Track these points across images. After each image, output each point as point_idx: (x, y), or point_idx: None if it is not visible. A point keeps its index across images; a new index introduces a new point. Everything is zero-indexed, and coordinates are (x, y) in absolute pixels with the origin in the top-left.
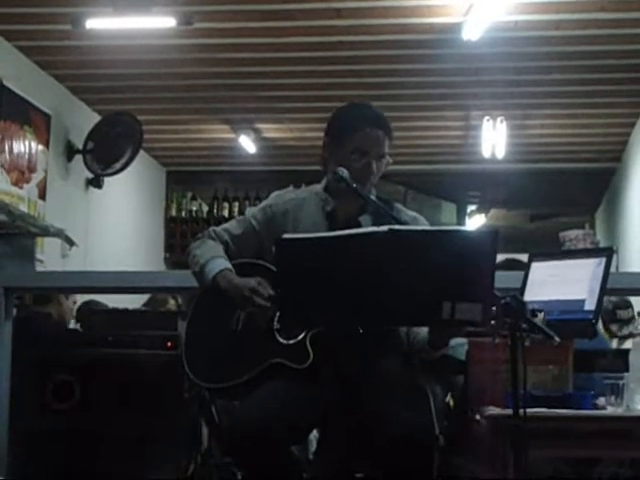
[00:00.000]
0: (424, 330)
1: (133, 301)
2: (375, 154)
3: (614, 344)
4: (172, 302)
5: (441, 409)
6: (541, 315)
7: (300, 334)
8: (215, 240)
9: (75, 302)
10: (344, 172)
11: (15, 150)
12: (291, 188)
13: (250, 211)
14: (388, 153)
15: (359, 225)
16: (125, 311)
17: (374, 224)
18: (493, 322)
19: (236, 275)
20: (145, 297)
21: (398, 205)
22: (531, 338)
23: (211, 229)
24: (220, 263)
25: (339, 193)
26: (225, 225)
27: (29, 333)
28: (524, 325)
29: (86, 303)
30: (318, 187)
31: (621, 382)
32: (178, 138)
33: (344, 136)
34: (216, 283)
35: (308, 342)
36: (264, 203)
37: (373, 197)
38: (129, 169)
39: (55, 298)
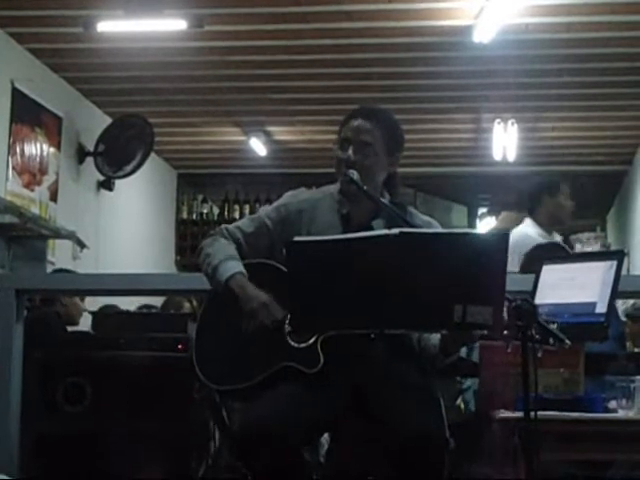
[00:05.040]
0: (435, 336)
1: (136, 304)
2: (356, 142)
3: None
4: (187, 305)
5: (452, 412)
6: (554, 326)
7: (311, 338)
8: (227, 239)
9: (82, 300)
10: (354, 174)
11: (26, 152)
12: (304, 188)
13: (264, 210)
14: (381, 146)
15: (371, 229)
16: (135, 313)
17: (387, 228)
18: (505, 327)
19: (249, 281)
20: (155, 299)
21: (412, 209)
22: (543, 348)
23: (223, 227)
24: (233, 266)
25: (352, 196)
26: (238, 223)
27: (40, 335)
28: (535, 328)
29: (104, 308)
30: (332, 188)
31: (633, 385)
32: (189, 140)
33: (338, 134)
34: (229, 287)
35: (319, 346)
36: (278, 202)
37: (386, 200)
38: (140, 171)
39: (60, 298)
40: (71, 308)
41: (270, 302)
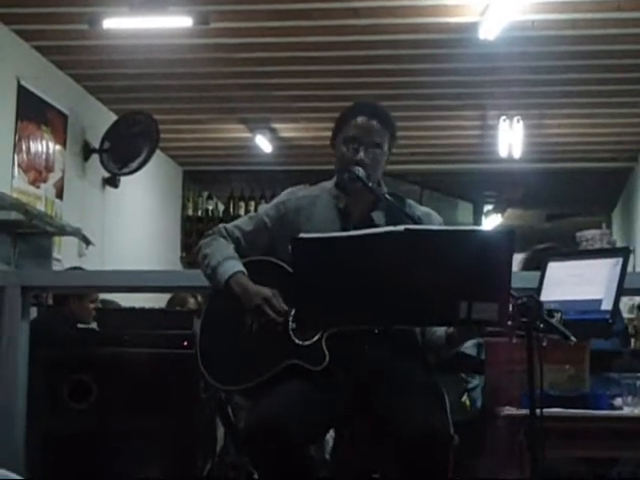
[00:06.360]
0: (440, 328)
1: (150, 300)
2: (366, 142)
3: None
4: (192, 301)
5: (457, 409)
6: (558, 315)
7: (316, 335)
8: (226, 238)
9: (96, 299)
10: (360, 171)
11: (32, 150)
12: (302, 185)
13: (262, 208)
14: (386, 145)
15: (372, 221)
16: (141, 310)
17: (386, 219)
18: (510, 322)
19: (249, 279)
20: (161, 296)
21: (410, 201)
22: (548, 337)
23: (222, 226)
24: (233, 265)
25: (353, 191)
26: (236, 222)
27: (46, 333)
28: (541, 325)
29: (102, 303)
30: (329, 184)
31: (638, 382)
32: (194, 137)
33: (340, 130)
34: (229, 287)
35: (324, 343)
36: (276, 200)
37: (385, 193)
38: (145, 168)
39: (70, 297)
40: (78, 309)
41: (273, 295)
